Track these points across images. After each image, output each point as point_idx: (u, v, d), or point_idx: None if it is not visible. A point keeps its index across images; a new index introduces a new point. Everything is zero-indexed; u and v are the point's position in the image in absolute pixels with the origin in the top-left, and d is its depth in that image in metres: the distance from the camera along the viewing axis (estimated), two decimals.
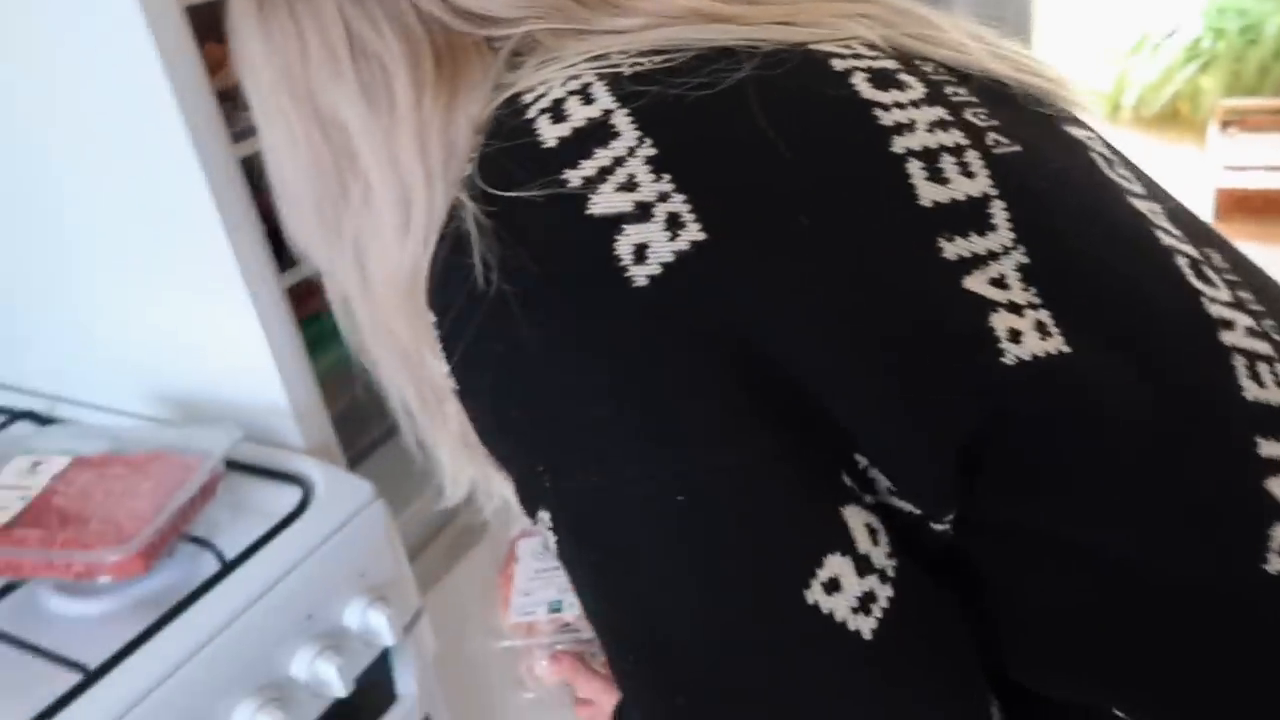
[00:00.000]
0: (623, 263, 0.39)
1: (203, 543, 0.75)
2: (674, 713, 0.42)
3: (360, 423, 1.11)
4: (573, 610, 0.67)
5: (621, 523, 0.41)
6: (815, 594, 0.38)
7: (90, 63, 0.76)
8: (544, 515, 0.43)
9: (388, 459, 1.09)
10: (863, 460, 0.41)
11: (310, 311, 0.92)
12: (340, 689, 0.74)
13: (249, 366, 0.86)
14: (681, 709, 0.42)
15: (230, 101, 0.88)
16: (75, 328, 0.96)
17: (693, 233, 0.39)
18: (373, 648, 0.81)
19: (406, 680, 0.87)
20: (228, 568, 0.73)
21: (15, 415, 0.97)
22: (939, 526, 0.42)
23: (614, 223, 0.39)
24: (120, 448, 0.80)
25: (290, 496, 0.82)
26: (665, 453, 0.39)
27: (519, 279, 0.40)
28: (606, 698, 0.65)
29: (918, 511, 0.42)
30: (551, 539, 0.43)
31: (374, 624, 0.79)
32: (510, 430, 0.43)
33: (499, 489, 0.56)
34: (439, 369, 0.47)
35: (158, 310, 0.89)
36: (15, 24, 0.78)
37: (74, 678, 0.63)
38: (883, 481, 0.42)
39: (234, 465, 0.84)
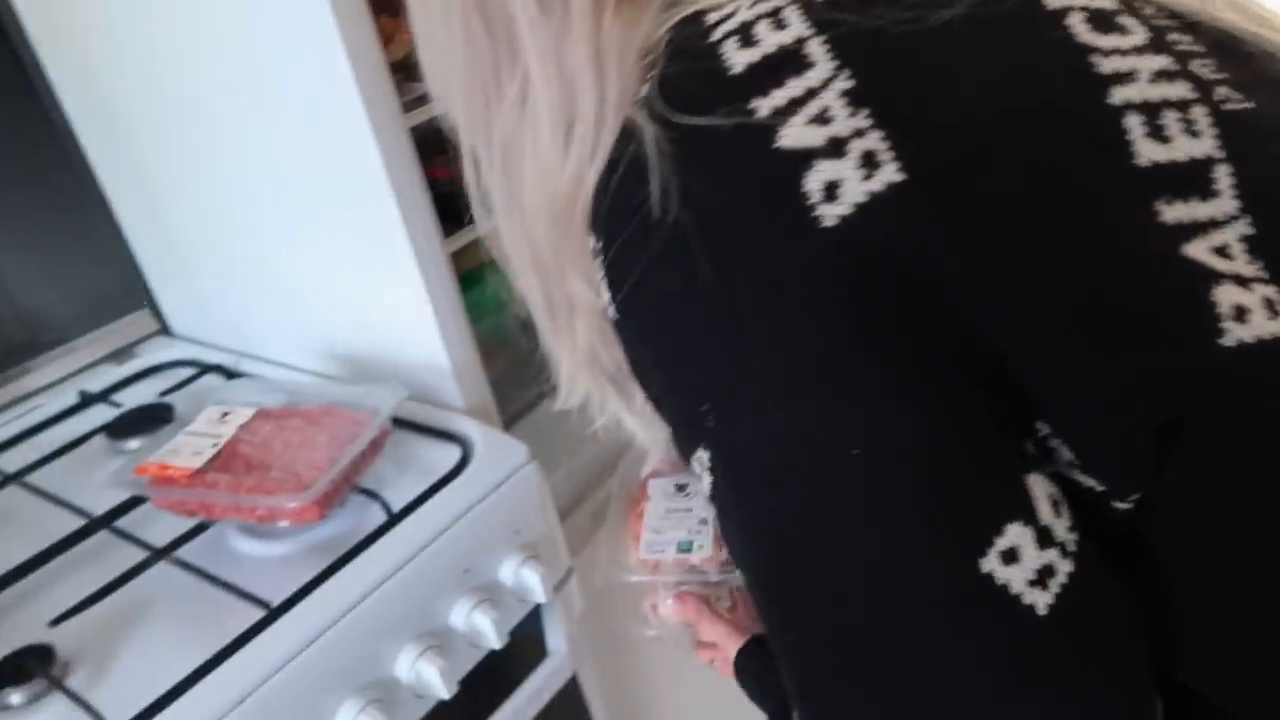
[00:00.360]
0: (811, 200, 0.36)
1: (371, 494, 0.78)
2: (824, 670, 0.41)
3: (515, 387, 1.14)
4: (702, 552, 0.67)
5: (791, 471, 0.39)
6: (991, 563, 0.36)
7: (275, 36, 0.80)
8: (702, 455, 0.41)
9: (540, 422, 1.12)
10: (1044, 428, 0.38)
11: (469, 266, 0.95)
12: (495, 641, 0.77)
13: (413, 328, 0.89)
14: (833, 667, 0.40)
15: (401, 72, 0.91)
16: (258, 289, 1.02)
17: (889, 173, 0.36)
18: (525, 604, 0.84)
19: (557, 637, 0.89)
20: (394, 519, 0.76)
21: (205, 368, 1.04)
22: (1120, 505, 0.39)
23: (804, 158, 0.37)
24: (296, 401, 0.85)
25: (450, 454, 0.85)
26: (843, 402, 0.37)
27: (699, 211, 0.38)
28: (729, 642, 0.65)
29: (1099, 488, 0.39)
30: (707, 480, 0.42)
31: (527, 581, 0.81)
32: (674, 366, 0.42)
33: (612, 407, 0.54)
34: (578, 287, 0.46)
35: (331, 273, 0.93)
36: (208, 3, 0.83)
37: (258, 613, 0.68)
38: (1064, 453, 0.39)
39: (398, 422, 0.88)
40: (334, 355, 1.00)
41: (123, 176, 1.08)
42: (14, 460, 0.91)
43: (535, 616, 0.87)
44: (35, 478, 0.88)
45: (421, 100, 0.99)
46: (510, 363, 1.17)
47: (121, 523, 0.80)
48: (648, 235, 0.39)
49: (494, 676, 0.83)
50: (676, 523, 0.70)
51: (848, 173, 0.36)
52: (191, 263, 1.08)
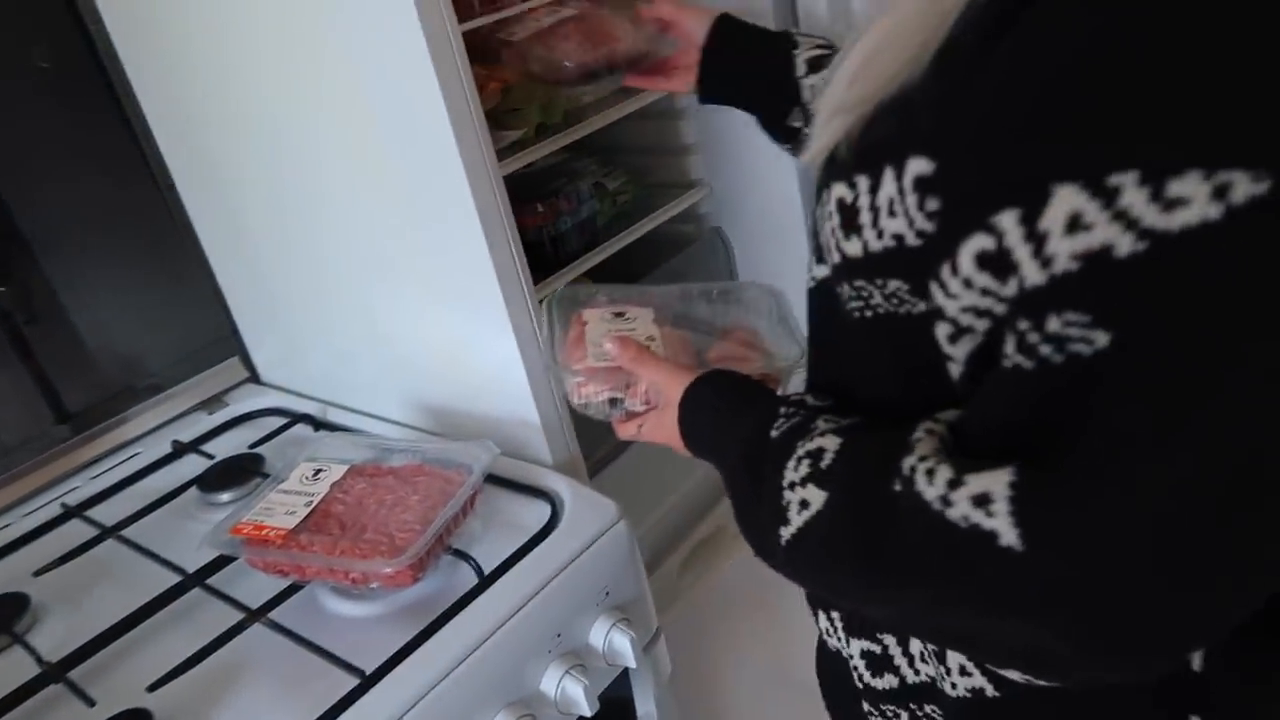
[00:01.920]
0: None
1: (462, 555, 0.77)
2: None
3: (596, 437, 1.12)
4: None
5: None
6: None
7: (372, 86, 0.80)
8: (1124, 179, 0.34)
9: (623, 474, 1.09)
10: None
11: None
12: (587, 709, 0.74)
13: (502, 378, 0.88)
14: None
15: (490, 121, 0.91)
16: (347, 339, 1.02)
17: None
18: (614, 668, 0.81)
19: (645, 701, 0.86)
20: (485, 581, 0.75)
21: (295, 418, 1.05)
22: None
23: None
24: (387, 457, 0.85)
25: (539, 512, 0.83)
26: None
27: None
28: (672, 381, 0.63)
29: None
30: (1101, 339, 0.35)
31: (618, 645, 0.79)
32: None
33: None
34: None
35: (421, 323, 0.93)
36: (309, 57, 0.83)
37: (352, 680, 0.67)
38: None
39: (486, 477, 0.86)
40: (422, 406, 0.99)
41: (218, 225, 1.10)
42: (112, 512, 0.92)
43: (623, 680, 0.85)
44: (131, 531, 0.89)
45: (511, 149, 0.99)
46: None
47: (214, 579, 0.80)
48: None
49: None
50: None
51: None
52: (282, 311, 1.09)
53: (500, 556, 0.77)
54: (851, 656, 0.61)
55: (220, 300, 1.14)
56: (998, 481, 0.40)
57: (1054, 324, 0.37)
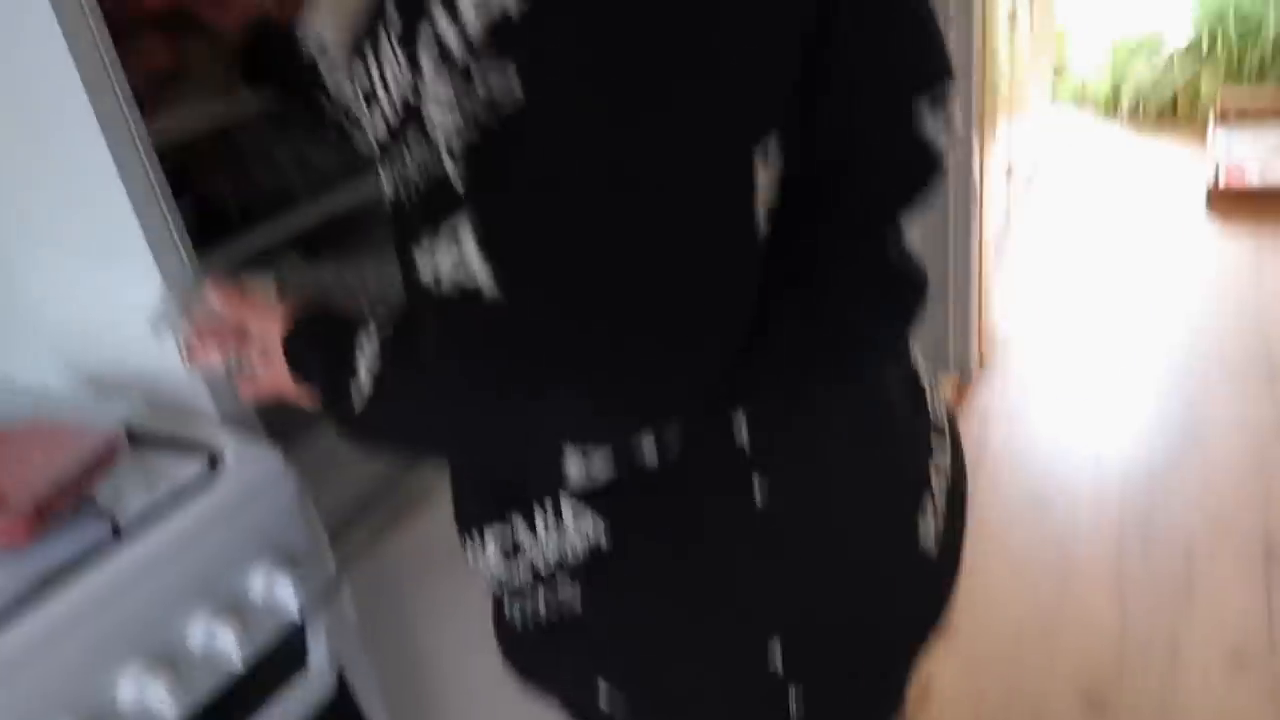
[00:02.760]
0: None
1: (100, 512, 0.74)
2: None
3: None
4: None
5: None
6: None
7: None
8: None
9: (323, 441, 1.09)
10: None
11: None
12: (236, 660, 0.74)
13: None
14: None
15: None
16: (3, 305, 0.96)
17: None
18: (279, 618, 0.81)
19: (319, 652, 0.86)
20: (120, 536, 0.73)
21: None
22: None
23: None
24: (19, 420, 0.80)
25: (195, 467, 0.81)
26: None
27: None
28: (274, 324, 0.66)
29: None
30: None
31: (280, 595, 0.79)
32: None
33: None
34: None
35: (74, 284, 0.89)
36: None
37: None
38: None
39: (146, 438, 0.84)
40: (82, 369, 0.94)
41: None
42: None
43: (300, 632, 0.85)
44: None
45: (179, 116, 0.96)
46: None
47: None
48: None
49: (246, 696, 0.79)
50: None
51: None
52: None
53: (144, 511, 0.75)
54: (492, 553, 0.65)
55: None
56: (466, 242, 0.45)
57: (481, 89, 0.42)
